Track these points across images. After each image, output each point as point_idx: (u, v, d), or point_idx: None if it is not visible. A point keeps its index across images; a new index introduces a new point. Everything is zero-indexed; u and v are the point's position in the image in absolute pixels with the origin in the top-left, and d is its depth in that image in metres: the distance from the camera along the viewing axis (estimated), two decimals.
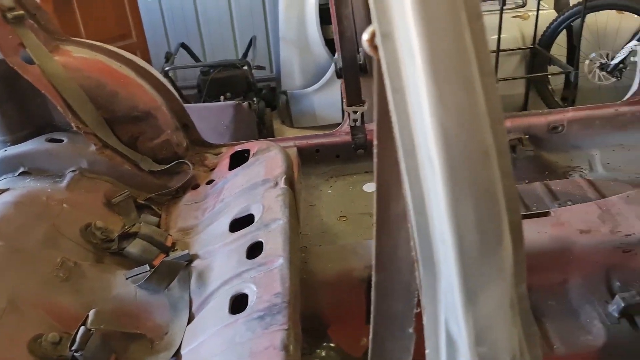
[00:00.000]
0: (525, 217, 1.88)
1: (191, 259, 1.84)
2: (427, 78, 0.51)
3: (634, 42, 3.68)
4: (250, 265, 1.68)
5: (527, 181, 2.41)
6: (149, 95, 2.18)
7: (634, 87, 2.66)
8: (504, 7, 4.38)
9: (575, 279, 1.80)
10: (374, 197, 0.79)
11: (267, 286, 1.57)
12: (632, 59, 3.72)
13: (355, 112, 2.42)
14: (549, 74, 4.34)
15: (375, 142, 0.75)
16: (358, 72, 2.33)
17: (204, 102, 4.13)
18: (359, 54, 2.32)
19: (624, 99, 2.69)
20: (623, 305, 1.70)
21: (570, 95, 4.36)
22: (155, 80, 2.23)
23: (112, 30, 3.65)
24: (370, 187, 2.54)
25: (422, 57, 0.51)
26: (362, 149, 2.57)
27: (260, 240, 1.76)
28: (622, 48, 3.93)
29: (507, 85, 4.40)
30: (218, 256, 1.79)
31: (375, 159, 0.76)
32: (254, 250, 1.74)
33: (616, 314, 1.72)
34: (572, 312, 1.78)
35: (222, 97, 4.02)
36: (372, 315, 0.90)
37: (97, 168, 2.12)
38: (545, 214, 1.89)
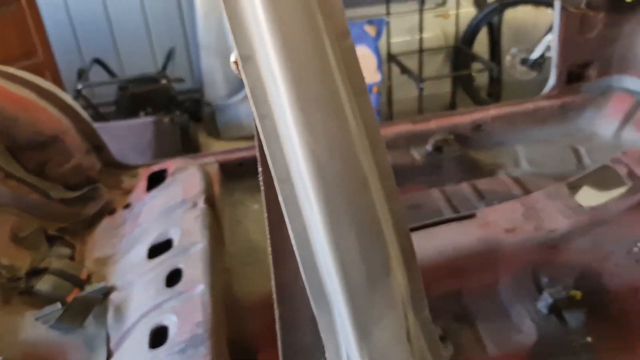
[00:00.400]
0: (452, 220, 1.87)
1: (108, 291, 1.72)
2: (291, 103, 0.45)
3: (548, 36, 3.78)
4: (170, 294, 1.58)
5: (455, 182, 2.42)
6: (54, 119, 2.04)
7: (551, 82, 2.72)
8: (426, 7, 4.45)
9: (504, 278, 1.80)
10: (266, 227, 0.73)
11: (187, 316, 1.48)
12: (546, 53, 3.83)
13: None
14: (472, 72, 4.41)
15: (259, 169, 0.68)
16: None
17: (123, 119, 3.95)
18: None
19: (542, 93, 2.74)
20: (551, 301, 1.71)
21: (495, 91, 4.47)
22: (61, 101, 2.08)
23: (13, 49, 3.42)
24: None
25: (285, 81, 0.45)
26: None
27: (180, 266, 1.67)
28: (540, 42, 4.04)
29: (434, 85, 4.44)
30: (136, 286, 1.69)
31: (262, 187, 0.69)
32: (174, 277, 1.65)
33: (545, 310, 1.72)
34: (504, 312, 1.77)
35: (142, 113, 3.86)
36: (279, 350, 0.84)
37: (0, 200, 1.96)
38: (472, 216, 1.88)
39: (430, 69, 4.45)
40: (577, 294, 1.75)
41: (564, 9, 2.53)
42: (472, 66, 4.48)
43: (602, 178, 1.89)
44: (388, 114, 4.46)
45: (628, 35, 2.61)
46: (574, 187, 1.90)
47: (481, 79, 4.58)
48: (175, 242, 1.79)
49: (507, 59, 4.48)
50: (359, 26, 3.88)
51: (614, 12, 2.58)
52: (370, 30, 3.87)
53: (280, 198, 0.51)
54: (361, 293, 0.51)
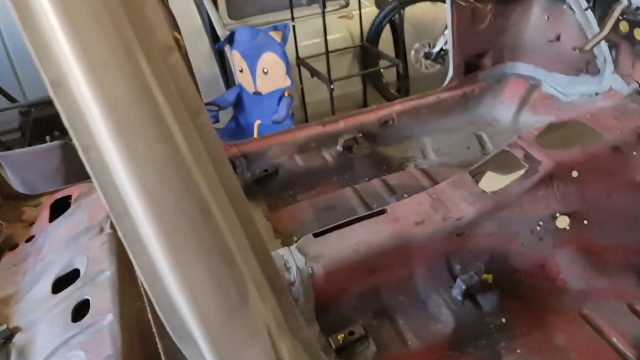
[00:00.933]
0: (364, 218, 1.88)
1: (11, 333, 1.60)
2: (109, 131, 0.42)
3: (447, 30, 3.92)
4: (77, 328, 1.49)
5: (366, 179, 2.45)
6: None
7: (450, 74, 2.81)
8: (330, 9, 4.49)
9: (419, 270, 1.83)
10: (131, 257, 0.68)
11: (96, 350, 1.40)
12: (445, 47, 3.97)
13: None
14: (378, 69, 4.49)
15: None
16: None
17: (28, 145, 3.73)
18: None
19: (443, 85, 2.83)
20: (464, 287, 1.75)
21: (403, 86, 4.57)
22: None
23: None
24: None
25: (98, 107, 0.41)
26: None
27: (87, 297, 1.58)
28: (440, 36, 4.18)
29: (345, 84, 4.49)
30: (41, 325, 1.58)
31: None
32: (81, 310, 1.56)
33: (460, 297, 1.77)
34: (421, 304, 1.80)
35: (48, 138, 3.65)
36: None
37: None
38: (382, 212, 1.90)
39: (340, 69, 4.50)
40: (489, 277, 1.81)
41: (455, 2, 2.62)
42: (379, 64, 4.56)
43: (502, 163, 1.96)
44: (303, 117, 4.47)
45: (515, 24, 2.74)
46: (477, 174, 1.96)
47: (389, 75, 4.68)
48: (82, 272, 1.69)
49: (411, 54, 4.61)
50: (265, 33, 3.86)
51: (501, 3, 2.70)
52: (276, 36, 3.85)
53: (120, 234, 0.47)
54: (218, 325, 0.48)
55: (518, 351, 1.68)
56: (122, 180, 0.44)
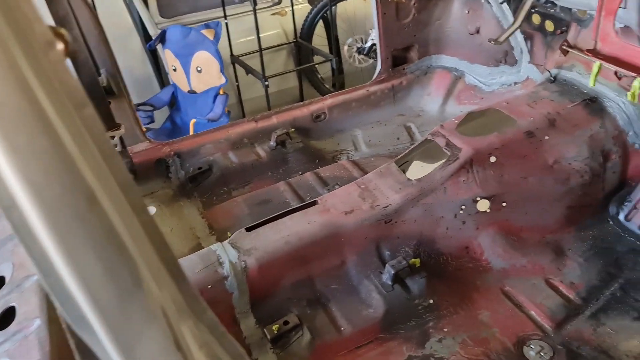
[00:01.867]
0: (296, 210, 1.92)
1: None
2: None
3: None
4: (3, 336, 1.46)
5: (300, 173, 2.49)
6: None
7: (378, 68, 2.88)
8: (262, 7, 4.50)
9: (351, 258, 1.89)
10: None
11: (24, 357, 1.38)
12: (375, 42, 4.05)
13: (112, 137, 2.26)
14: (312, 65, 4.54)
15: None
16: (104, 95, 2.18)
17: None
18: (100, 75, 2.16)
19: (372, 79, 2.90)
20: (393, 272, 1.82)
21: (338, 81, 4.64)
22: None
23: None
24: (151, 210, 2.40)
25: None
26: (132, 173, 2.41)
27: (13, 304, 1.54)
28: (371, 32, 4.27)
29: (280, 81, 4.51)
30: None
31: None
32: (7, 318, 1.53)
33: (390, 282, 1.84)
34: (354, 290, 1.86)
35: None
36: None
37: None
38: (313, 203, 1.94)
39: (275, 66, 4.52)
40: (417, 261, 1.89)
41: None
42: (313, 59, 4.61)
43: (425, 151, 2.05)
44: (239, 114, 4.47)
45: (438, 18, 2.84)
46: (403, 164, 2.03)
47: (324, 70, 4.73)
48: (8, 279, 1.65)
49: (344, 49, 4.68)
50: (197, 31, 3.83)
51: None
52: (209, 34, 3.83)
53: (11, 227, 0.49)
54: (112, 310, 0.50)
55: (445, 330, 1.76)
56: (7, 174, 0.46)
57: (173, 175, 2.51)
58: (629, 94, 1.68)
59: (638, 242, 2.00)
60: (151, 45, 3.94)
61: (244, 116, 4.47)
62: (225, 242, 1.83)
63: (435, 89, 2.91)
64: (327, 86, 4.73)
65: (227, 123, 3.68)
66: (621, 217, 2.08)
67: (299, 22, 4.57)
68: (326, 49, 4.64)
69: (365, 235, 1.88)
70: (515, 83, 2.65)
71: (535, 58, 2.51)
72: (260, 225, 1.87)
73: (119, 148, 2.29)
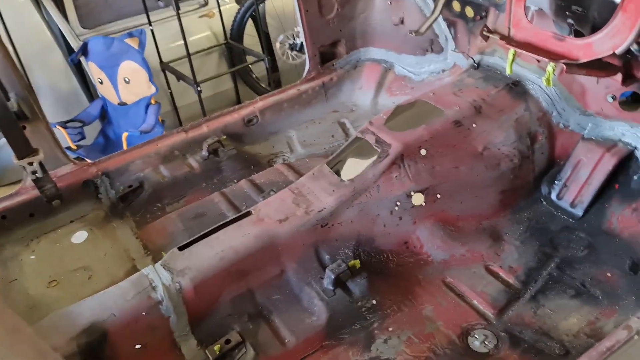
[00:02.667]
0: (229, 222, 1.86)
1: None
2: None
3: None
4: None
5: (235, 181, 2.42)
6: None
7: (307, 66, 2.84)
8: (189, 9, 4.39)
9: (290, 266, 1.84)
10: None
11: None
12: None
13: (31, 164, 2.14)
14: (244, 65, 4.46)
15: None
16: (16, 121, 2.05)
17: None
18: (9, 100, 2.03)
19: (302, 77, 2.86)
20: (333, 276, 1.79)
21: (273, 79, 4.58)
22: None
23: None
24: (79, 237, 2.29)
25: None
26: (57, 198, 2.29)
27: None
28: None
29: (215, 84, 4.43)
30: None
31: None
32: None
33: (331, 287, 1.80)
34: (296, 299, 1.82)
35: None
36: None
37: None
38: (247, 214, 1.89)
39: (208, 69, 4.42)
40: (356, 262, 1.86)
41: None
42: (246, 60, 4.53)
43: (356, 149, 2.02)
44: (176, 122, 4.35)
45: (362, 11, 2.82)
46: (335, 164, 2.00)
47: (259, 70, 4.67)
48: None
49: (277, 47, 4.62)
50: (120, 41, 3.69)
51: None
52: (133, 43, 3.70)
53: None
54: None
55: (390, 329, 1.75)
56: None
57: (103, 196, 2.40)
58: (543, 79, 1.70)
59: (570, 220, 2.04)
60: (73, 59, 3.78)
61: (180, 124, 4.36)
62: (158, 264, 1.76)
63: (366, 82, 2.89)
64: (263, 85, 4.67)
65: (160, 134, 3.60)
66: (553, 196, 2.11)
67: (228, 23, 4.49)
68: (258, 48, 4.57)
69: (302, 242, 1.85)
70: (443, 70, 2.66)
71: (460, 45, 2.52)
72: (193, 243, 1.80)
73: (39, 174, 2.17)
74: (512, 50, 1.78)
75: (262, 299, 1.81)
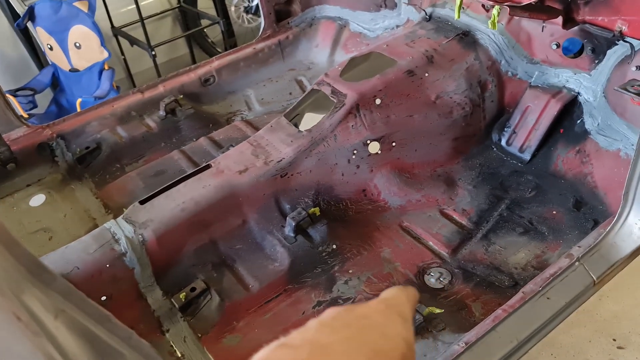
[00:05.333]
0: (190, 176, 1.88)
1: None
2: None
3: None
4: None
5: (194, 139, 2.43)
6: None
7: (262, 24, 2.84)
8: None
9: (251, 216, 1.88)
10: None
11: None
12: None
13: None
14: (199, 29, 4.39)
15: None
16: None
17: None
18: None
19: (258, 36, 2.85)
20: (294, 224, 1.84)
21: (229, 44, 4.53)
22: None
23: None
24: (37, 200, 2.27)
25: None
26: (12, 162, 2.26)
27: None
28: None
29: (170, 49, 4.34)
30: None
31: None
32: None
33: (292, 234, 1.86)
34: (258, 247, 1.87)
35: None
36: None
37: None
38: (207, 167, 1.91)
39: (162, 34, 4.32)
40: (316, 210, 1.91)
41: None
42: (201, 24, 4.46)
43: (313, 101, 2.05)
44: (131, 88, 4.27)
45: None
46: (293, 117, 2.03)
47: (215, 34, 4.60)
48: None
49: (232, 10, 4.56)
50: (69, 4, 3.58)
51: None
52: (82, 6, 3.59)
53: None
54: None
55: (350, 271, 1.82)
56: None
57: (59, 159, 2.37)
58: (489, 22, 1.76)
59: (519, 164, 2.14)
60: (19, 24, 3.65)
61: None
62: (119, 218, 1.77)
63: (322, 39, 2.91)
64: (219, 50, 4.61)
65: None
66: (503, 142, 2.20)
67: None
68: (213, 12, 4.50)
69: (262, 192, 1.88)
70: (398, 26, 2.70)
71: None
72: (154, 197, 1.82)
73: None
74: None
75: (225, 248, 1.85)
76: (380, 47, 2.18)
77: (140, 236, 1.71)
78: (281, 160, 1.89)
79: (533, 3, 1.52)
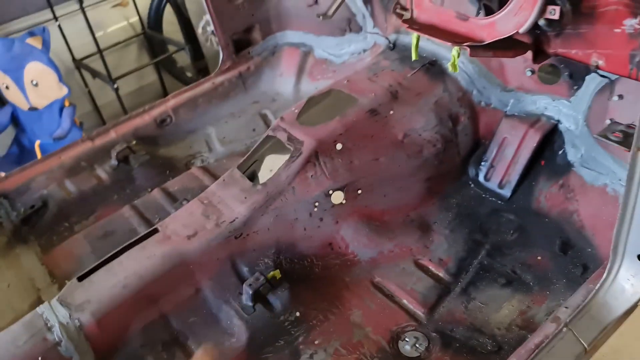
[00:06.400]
0: (133, 244, 1.70)
1: None
2: None
3: None
4: None
5: (149, 190, 2.24)
6: None
7: (221, 56, 2.65)
8: (99, 1, 4.09)
9: (205, 284, 1.70)
10: None
11: None
12: None
13: None
14: (166, 56, 4.21)
15: None
16: None
17: None
18: None
19: (217, 69, 2.67)
20: (251, 292, 1.65)
21: (200, 67, 4.34)
22: None
23: None
24: None
25: None
26: None
27: None
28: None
29: (137, 78, 4.16)
30: None
31: None
32: None
33: (250, 303, 1.67)
34: (214, 320, 1.68)
35: None
36: None
37: None
38: (153, 232, 1.73)
39: (127, 62, 4.14)
40: (276, 273, 1.73)
41: None
42: (169, 49, 4.28)
43: (269, 149, 1.87)
44: (99, 122, 4.09)
45: None
46: (246, 168, 1.85)
47: (184, 59, 4.42)
48: None
49: (199, 32, 4.38)
50: (21, 41, 3.39)
51: None
52: (35, 42, 3.41)
53: None
54: None
55: (316, 342, 1.63)
56: None
57: (4, 220, 2.19)
58: (449, 64, 1.58)
59: (499, 202, 1.96)
60: None
61: (104, 123, 4.10)
62: (54, 300, 1.58)
63: (286, 68, 2.73)
64: (190, 74, 4.43)
65: (82, 136, 3.36)
66: (481, 178, 2.03)
67: (144, 12, 4.21)
68: (180, 36, 4.32)
69: (216, 257, 1.70)
70: (365, 50, 2.52)
71: (378, 23, 2.38)
72: (93, 272, 1.63)
73: None
74: (414, 34, 1.65)
75: (178, 323, 1.67)
76: (340, 83, 2.00)
77: (76, 321, 1.52)
78: (234, 220, 1.71)
79: (497, 40, 1.34)
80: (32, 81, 3.48)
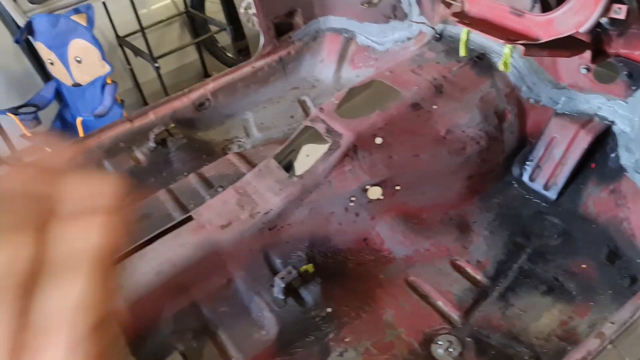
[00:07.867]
0: (167, 231, 1.69)
1: None
2: None
3: None
4: None
5: (185, 174, 2.24)
6: None
7: (262, 40, 2.61)
8: None
9: (238, 274, 1.69)
10: None
11: None
12: None
13: None
14: (208, 35, 4.19)
15: None
16: None
17: None
18: None
19: (257, 53, 2.63)
20: (283, 285, 1.63)
21: (240, 47, 4.31)
22: None
23: None
24: None
25: None
26: None
27: None
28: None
29: (178, 57, 4.17)
30: None
31: None
32: None
33: (281, 296, 1.65)
34: (244, 311, 1.67)
35: None
36: None
37: None
38: (188, 220, 1.72)
39: (169, 41, 4.15)
40: (309, 267, 1.70)
41: None
42: (210, 29, 4.26)
43: (306, 140, 1.83)
44: (140, 101, 4.12)
45: None
46: (283, 158, 1.81)
47: (226, 39, 4.39)
48: None
49: (241, 13, 4.34)
50: (66, 18, 3.42)
51: None
52: (80, 19, 3.43)
53: None
54: None
55: (347, 340, 1.60)
56: None
57: None
58: (500, 62, 1.50)
59: (543, 204, 1.88)
60: (18, 40, 3.51)
61: (145, 102, 4.13)
62: None
63: (328, 54, 2.67)
64: (230, 55, 4.42)
65: (120, 116, 3.39)
66: (525, 178, 1.94)
67: None
68: (222, 16, 4.29)
69: (249, 248, 1.68)
70: (409, 38, 2.44)
71: (425, 11, 2.29)
72: (126, 257, 1.63)
73: None
74: (464, 29, 1.57)
75: (208, 312, 1.66)
76: (383, 74, 1.93)
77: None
78: (268, 212, 1.68)
79: (553, 40, 1.25)
80: (75, 58, 3.52)
